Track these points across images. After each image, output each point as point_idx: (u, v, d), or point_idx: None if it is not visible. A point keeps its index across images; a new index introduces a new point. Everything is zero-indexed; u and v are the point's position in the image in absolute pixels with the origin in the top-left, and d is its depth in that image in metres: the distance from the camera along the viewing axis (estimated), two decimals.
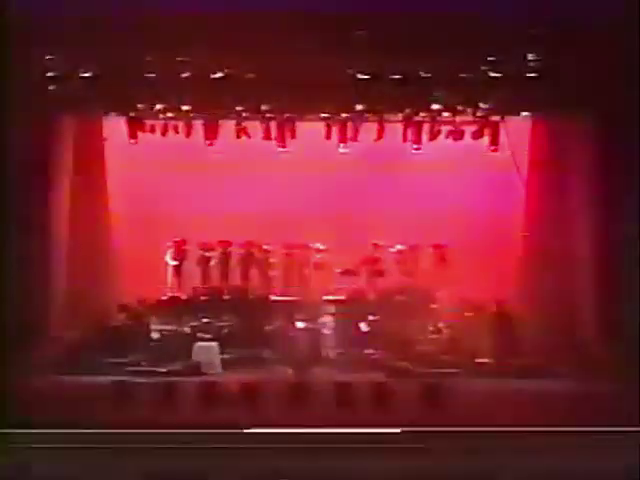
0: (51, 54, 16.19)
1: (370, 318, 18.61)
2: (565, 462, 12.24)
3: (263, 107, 18.87)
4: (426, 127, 19.28)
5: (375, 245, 19.69)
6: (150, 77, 16.99)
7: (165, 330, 18.11)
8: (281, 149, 19.46)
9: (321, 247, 19.67)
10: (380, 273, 19.71)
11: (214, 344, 17.72)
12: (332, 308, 18.61)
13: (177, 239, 19.68)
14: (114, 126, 19.55)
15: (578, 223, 18.20)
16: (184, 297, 19.44)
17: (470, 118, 19.04)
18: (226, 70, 17.15)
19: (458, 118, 19.04)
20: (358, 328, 18.53)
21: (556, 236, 18.58)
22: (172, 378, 15.84)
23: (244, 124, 19.27)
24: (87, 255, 19.01)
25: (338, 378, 15.64)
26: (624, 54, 15.49)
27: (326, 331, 18.19)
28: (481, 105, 18.43)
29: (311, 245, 19.80)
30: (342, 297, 19.19)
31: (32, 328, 17.07)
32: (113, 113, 19.13)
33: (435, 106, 18.54)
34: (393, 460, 12.40)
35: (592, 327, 17.52)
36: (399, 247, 19.63)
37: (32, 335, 16.89)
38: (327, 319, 18.27)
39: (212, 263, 19.87)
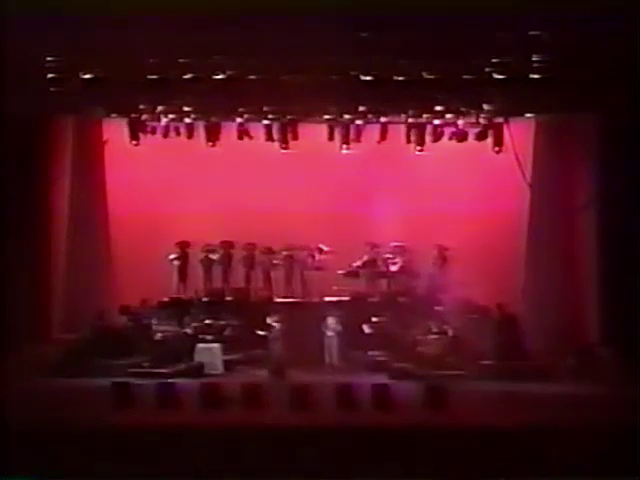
0: (52, 56, 16.18)
1: (373, 319, 18.58)
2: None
3: (265, 108, 18.92)
4: (429, 128, 19.34)
5: (377, 246, 19.65)
6: (152, 79, 16.99)
7: (167, 331, 18.06)
8: (284, 150, 19.52)
9: (324, 249, 19.60)
10: (383, 274, 19.69)
11: (216, 345, 17.72)
12: (335, 310, 18.52)
13: (179, 240, 19.64)
14: (115, 128, 19.60)
15: (580, 224, 18.24)
16: (186, 298, 19.45)
17: (473, 120, 19.05)
18: (228, 72, 17.15)
19: (462, 119, 19.06)
20: (361, 329, 18.50)
21: (559, 237, 18.59)
22: (174, 379, 15.78)
23: (246, 125, 19.33)
24: (87, 256, 19.03)
25: (340, 380, 15.57)
26: (627, 55, 15.45)
27: (329, 333, 18.13)
28: (485, 107, 18.43)
29: (314, 247, 19.75)
30: (345, 298, 19.18)
31: (32, 329, 17.14)
32: (114, 115, 19.19)
33: (438, 107, 18.56)
34: None
35: (595, 329, 17.57)
36: (398, 245, 19.60)
37: (32, 337, 16.97)
38: (330, 320, 18.21)
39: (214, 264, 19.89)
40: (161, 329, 18.05)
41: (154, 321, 18.19)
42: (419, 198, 19.95)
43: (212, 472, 12.57)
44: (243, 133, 19.50)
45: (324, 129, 19.60)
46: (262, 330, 17.77)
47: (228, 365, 17.61)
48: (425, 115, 19.17)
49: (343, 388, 14.37)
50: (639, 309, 16.02)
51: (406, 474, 12.44)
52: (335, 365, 17.81)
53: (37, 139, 17.90)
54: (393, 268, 19.60)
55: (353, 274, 19.58)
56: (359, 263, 19.59)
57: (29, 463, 12.43)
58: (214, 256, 19.85)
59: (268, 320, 17.77)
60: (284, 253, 19.71)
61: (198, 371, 17.08)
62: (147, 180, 19.97)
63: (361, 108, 18.87)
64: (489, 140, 19.23)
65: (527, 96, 17.43)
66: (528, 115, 19.24)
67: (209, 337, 18.12)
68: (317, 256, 19.54)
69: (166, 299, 19.31)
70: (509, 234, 19.38)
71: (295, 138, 19.55)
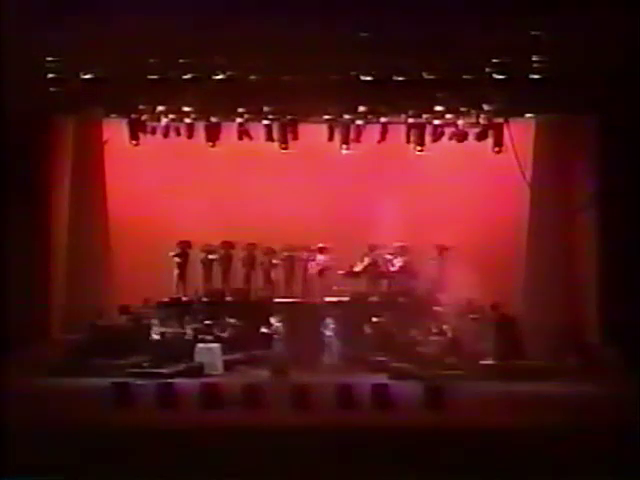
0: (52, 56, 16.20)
1: (373, 319, 18.57)
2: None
3: (265, 108, 18.93)
4: (429, 128, 19.36)
5: (377, 248, 19.64)
6: (152, 79, 17.02)
7: (167, 331, 18.05)
8: (284, 150, 19.54)
9: (323, 247, 19.56)
10: (383, 275, 19.68)
11: (216, 345, 17.72)
12: (335, 310, 18.51)
13: (179, 240, 19.61)
14: (115, 128, 19.60)
15: (580, 224, 18.25)
16: (186, 298, 19.44)
17: (473, 120, 19.06)
18: (228, 72, 17.17)
19: (462, 120, 19.07)
20: (361, 329, 18.49)
21: (559, 237, 18.59)
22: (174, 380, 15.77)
23: (246, 125, 19.34)
24: (87, 256, 19.00)
25: (340, 380, 15.56)
26: (627, 56, 15.46)
27: (329, 333, 18.12)
28: (485, 107, 18.45)
29: (314, 247, 19.72)
30: (345, 298, 19.17)
31: (32, 330, 17.13)
32: (114, 115, 19.20)
33: (438, 107, 18.57)
34: None
35: (595, 329, 17.57)
36: (399, 245, 19.58)
37: (32, 337, 16.95)
38: (330, 321, 18.20)
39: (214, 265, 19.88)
40: (161, 329, 18.04)
41: (154, 321, 18.17)
42: (419, 198, 19.93)
43: (212, 472, 12.56)
44: (243, 133, 19.50)
45: (324, 129, 19.60)
46: (262, 330, 17.77)
47: (228, 365, 17.61)
48: (425, 115, 19.16)
49: (343, 388, 14.36)
50: (639, 309, 16.04)
51: (406, 474, 12.43)
52: (335, 365, 17.81)
53: (37, 139, 17.89)
54: (393, 268, 19.59)
55: (353, 274, 19.57)
56: (360, 268, 19.56)
57: (29, 463, 12.42)
58: (214, 256, 19.83)
59: (268, 320, 17.78)
60: (284, 253, 19.69)
61: (198, 371, 17.07)
62: (147, 180, 19.95)
63: (361, 108, 18.88)
64: (489, 140, 19.23)
65: (527, 96, 17.45)
66: (528, 115, 19.22)
67: (209, 337, 18.13)
68: (318, 256, 19.52)
69: (166, 299, 19.29)
70: (509, 234, 19.35)
71: (295, 138, 19.56)
